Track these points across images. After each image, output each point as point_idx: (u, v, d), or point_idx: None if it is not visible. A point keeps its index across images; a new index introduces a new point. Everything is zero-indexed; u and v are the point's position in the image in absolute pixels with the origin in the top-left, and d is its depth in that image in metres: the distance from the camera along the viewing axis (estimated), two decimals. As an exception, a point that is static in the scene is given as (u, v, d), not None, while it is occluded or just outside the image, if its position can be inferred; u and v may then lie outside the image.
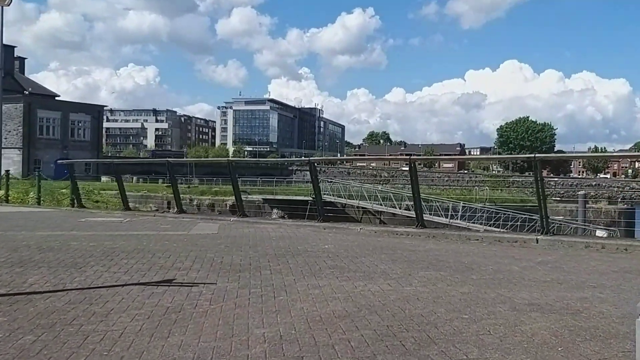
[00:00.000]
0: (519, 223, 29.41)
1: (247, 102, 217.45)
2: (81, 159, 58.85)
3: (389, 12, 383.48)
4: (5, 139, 65.52)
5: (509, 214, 30.75)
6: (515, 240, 10.72)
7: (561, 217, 31.74)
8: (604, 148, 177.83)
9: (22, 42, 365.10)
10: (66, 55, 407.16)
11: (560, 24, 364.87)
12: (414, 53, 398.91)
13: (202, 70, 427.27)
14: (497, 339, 4.53)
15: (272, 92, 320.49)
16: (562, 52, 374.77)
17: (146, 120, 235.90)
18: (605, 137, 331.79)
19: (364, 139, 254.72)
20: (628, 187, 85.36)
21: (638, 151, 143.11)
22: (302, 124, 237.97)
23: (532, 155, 11.90)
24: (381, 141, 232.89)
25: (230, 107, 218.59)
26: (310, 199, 25.71)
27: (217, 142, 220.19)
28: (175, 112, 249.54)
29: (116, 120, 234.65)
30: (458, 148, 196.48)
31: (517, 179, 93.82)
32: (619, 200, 61.84)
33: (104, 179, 53.15)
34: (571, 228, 29.33)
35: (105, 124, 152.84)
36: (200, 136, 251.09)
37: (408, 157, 14.84)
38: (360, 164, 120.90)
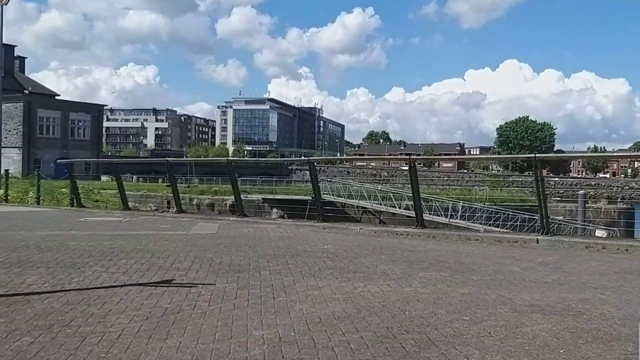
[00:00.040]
0: (518, 223, 29.39)
1: (247, 102, 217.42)
2: (81, 159, 58.79)
3: (389, 12, 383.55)
4: (5, 138, 65.47)
5: (508, 214, 30.70)
6: (516, 240, 10.68)
7: (561, 217, 31.67)
8: (604, 148, 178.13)
9: (22, 42, 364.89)
10: (66, 55, 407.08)
11: (559, 24, 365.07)
12: (414, 53, 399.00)
13: (202, 70, 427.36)
14: (498, 341, 4.50)
15: (272, 91, 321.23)
16: (561, 51, 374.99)
17: (146, 120, 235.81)
18: (605, 136, 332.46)
19: (363, 139, 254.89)
20: (627, 187, 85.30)
21: (637, 151, 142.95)
22: (302, 124, 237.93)
23: (533, 155, 11.86)
24: (381, 141, 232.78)
25: (230, 107, 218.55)
26: (310, 198, 25.66)
27: (217, 141, 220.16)
28: (175, 111, 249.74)
29: (116, 120, 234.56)
30: (457, 147, 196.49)
31: (517, 179, 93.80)
32: (619, 199, 61.86)
33: (103, 178, 53.09)
34: (571, 228, 29.30)
35: (105, 124, 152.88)
36: (200, 136, 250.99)
37: (408, 157, 14.80)
38: (360, 164, 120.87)
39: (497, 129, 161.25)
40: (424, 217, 13.37)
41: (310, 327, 4.86)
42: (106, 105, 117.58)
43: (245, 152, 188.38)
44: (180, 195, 22.54)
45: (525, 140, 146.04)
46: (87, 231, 11.93)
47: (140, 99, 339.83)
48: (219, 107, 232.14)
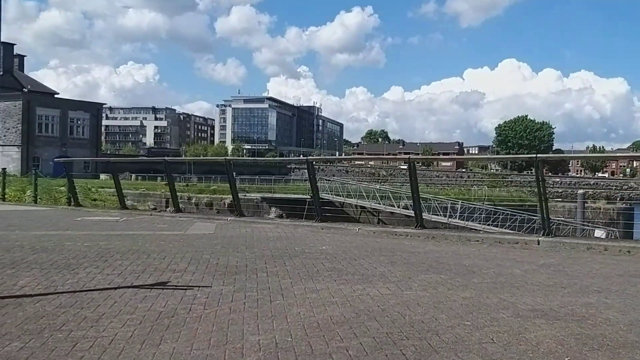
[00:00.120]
0: (517, 223, 29.33)
1: (246, 101, 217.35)
2: (80, 157, 58.76)
3: (388, 11, 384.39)
4: (5, 136, 65.69)
5: (507, 213, 30.67)
6: (516, 241, 10.56)
7: (560, 218, 31.59)
8: (602, 147, 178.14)
9: (22, 40, 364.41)
10: (66, 53, 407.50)
11: (558, 23, 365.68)
12: (413, 51, 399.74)
13: (202, 69, 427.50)
14: (501, 347, 4.37)
15: (271, 90, 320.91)
16: (560, 51, 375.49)
17: (145, 118, 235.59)
18: (604, 135, 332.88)
19: (362, 137, 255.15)
20: (626, 186, 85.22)
21: (636, 150, 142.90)
22: (301, 122, 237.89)
23: (534, 155, 11.73)
24: (380, 139, 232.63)
25: (229, 106, 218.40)
26: (309, 197, 25.57)
27: (216, 140, 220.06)
28: (175, 110, 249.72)
29: (115, 118, 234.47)
30: (456, 147, 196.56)
31: (516, 178, 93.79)
32: (618, 199, 61.79)
33: (102, 176, 52.95)
34: (570, 227, 29.23)
35: (105, 122, 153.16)
36: (199, 134, 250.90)
37: (407, 156, 14.69)
38: (359, 163, 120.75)
39: (496, 128, 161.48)
40: (423, 217, 13.25)
41: (308, 332, 4.73)
42: (105, 104, 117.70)
43: (244, 150, 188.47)
44: (179, 194, 22.44)
45: (524, 140, 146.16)
46: (83, 231, 11.82)
47: (140, 97, 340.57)
48: (218, 106, 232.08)
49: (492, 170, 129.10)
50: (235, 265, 7.77)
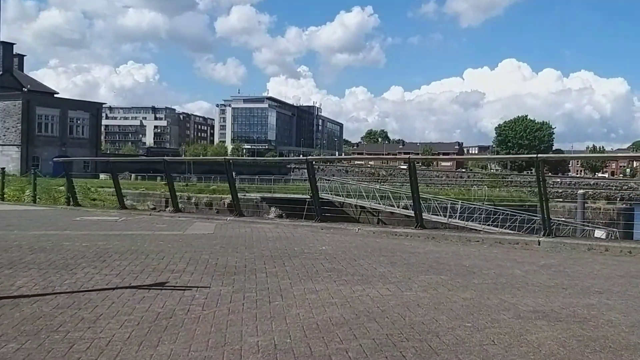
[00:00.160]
0: (517, 223, 29.29)
1: (245, 100, 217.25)
2: (80, 157, 58.68)
3: (388, 11, 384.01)
4: (4, 136, 65.62)
5: (507, 213, 30.63)
6: (517, 242, 10.52)
7: (561, 218, 31.56)
8: (602, 147, 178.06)
9: (22, 40, 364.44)
10: (66, 53, 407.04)
11: (558, 23, 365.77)
12: (413, 51, 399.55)
13: (201, 68, 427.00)
14: (502, 349, 4.33)
15: (271, 90, 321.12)
16: (560, 51, 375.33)
17: (145, 118, 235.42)
18: (604, 136, 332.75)
19: (362, 137, 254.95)
20: (626, 186, 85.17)
21: (636, 150, 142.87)
22: (301, 122, 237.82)
23: (535, 155, 11.69)
24: (379, 139, 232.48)
25: (229, 105, 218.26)
26: (308, 197, 25.52)
27: (216, 139, 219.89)
28: (174, 109, 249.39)
29: (115, 118, 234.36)
30: (456, 147, 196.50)
31: (515, 178, 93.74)
32: (618, 199, 61.76)
33: (102, 176, 52.91)
34: (570, 228, 29.20)
35: (104, 122, 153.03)
36: (199, 134, 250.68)
37: (407, 156, 14.66)
38: (359, 163, 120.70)
39: (496, 128, 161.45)
40: (423, 217, 13.21)
41: (307, 333, 4.69)
42: (105, 104, 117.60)
43: (244, 150, 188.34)
44: (179, 194, 22.41)
45: (524, 140, 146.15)
46: (82, 231, 11.78)
47: (140, 97, 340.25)
48: (217, 106, 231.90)
49: (492, 170, 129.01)
50: (234, 266, 7.73)
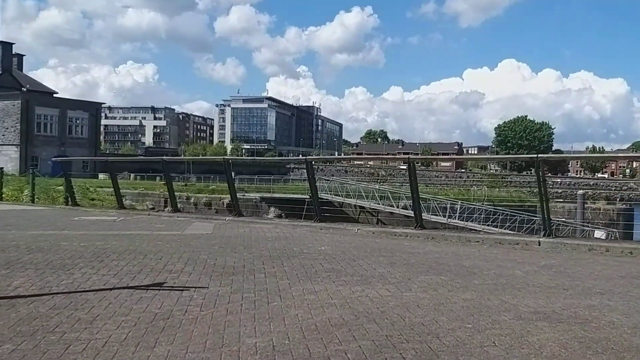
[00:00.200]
0: (517, 224, 29.25)
1: (245, 100, 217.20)
2: (79, 157, 58.66)
3: (388, 11, 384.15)
4: (3, 135, 65.55)
5: (507, 214, 30.58)
6: (517, 242, 10.47)
7: (561, 218, 31.51)
8: (602, 147, 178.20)
9: (21, 40, 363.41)
10: (65, 53, 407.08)
11: (558, 24, 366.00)
12: (412, 52, 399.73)
13: (201, 68, 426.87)
14: (503, 351, 4.28)
15: (270, 90, 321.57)
16: (560, 51, 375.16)
17: (144, 118, 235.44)
18: (603, 136, 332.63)
19: (361, 138, 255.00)
20: (626, 187, 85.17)
21: (636, 150, 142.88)
22: (300, 122, 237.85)
23: (535, 155, 11.64)
24: (379, 140, 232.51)
25: (229, 105, 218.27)
26: (308, 197, 25.49)
27: (215, 139, 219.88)
28: (174, 109, 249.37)
29: (114, 118, 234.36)
30: (456, 147, 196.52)
31: (515, 178, 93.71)
32: (618, 200, 61.74)
33: (101, 176, 52.90)
34: (570, 228, 29.16)
35: (104, 121, 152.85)
36: (199, 134, 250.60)
37: (407, 156, 14.61)
38: (358, 162, 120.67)
39: (495, 128, 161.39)
40: (422, 217, 13.16)
41: (306, 334, 4.64)
42: (104, 103, 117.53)
43: (243, 150, 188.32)
44: (178, 194, 22.36)
45: (524, 140, 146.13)
46: (80, 231, 11.73)
47: (139, 97, 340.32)
48: (217, 106, 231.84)
49: (491, 171, 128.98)
50: (232, 266, 7.68)
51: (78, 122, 72.34)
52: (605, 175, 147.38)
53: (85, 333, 4.59)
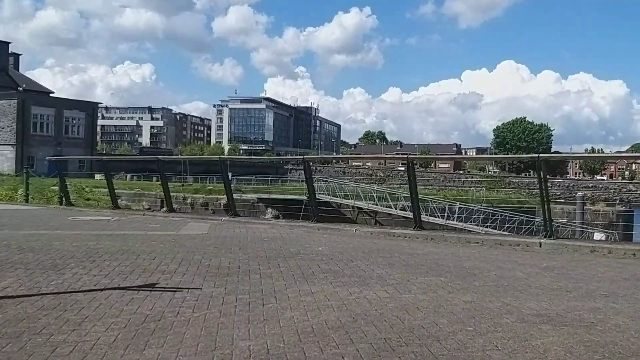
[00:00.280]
0: (515, 225, 29.18)
1: (243, 101, 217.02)
2: (75, 156, 58.52)
3: (386, 12, 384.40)
4: (-1, 135, 65.32)
5: (506, 215, 30.51)
6: (518, 243, 10.32)
7: (560, 220, 31.43)
8: (601, 149, 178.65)
9: (18, 39, 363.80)
10: (62, 52, 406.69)
11: (557, 25, 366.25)
12: (411, 53, 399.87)
13: (199, 68, 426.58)
14: (506, 355, 4.13)
15: (268, 90, 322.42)
16: (559, 53, 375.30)
17: (141, 118, 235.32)
18: (602, 138, 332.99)
19: (359, 139, 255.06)
20: (625, 189, 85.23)
21: (635, 152, 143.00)
22: (298, 123, 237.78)
23: (536, 155, 11.50)
24: (377, 141, 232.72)
25: (226, 106, 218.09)
26: (305, 198, 25.36)
27: (213, 140, 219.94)
28: (171, 110, 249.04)
29: (111, 118, 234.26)
30: (454, 148, 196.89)
31: (514, 180, 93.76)
32: (617, 202, 61.68)
33: (97, 176, 52.76)
34: (569, 230, 29.08)
35: (101, 122, 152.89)
36: (196, 134, 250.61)
37: (406, 156, 14.46)
38: (356, 164, 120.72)
39: (494, 130, 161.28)
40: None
41: (302, 337, 4.49)
42: (101, 103, 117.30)
43: (241, 151, 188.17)
44: (174, 194, 22.21)
45: (522, 142, 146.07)
46: (73, 230, 11.57)
47: (136, 97, 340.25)
48: (214, 106, 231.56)
49: (489, 172, 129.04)
50: (227, 267, 7.54)
51: (74, 122, 72.19)
52: (604, 177, 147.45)
53: (74, 335, 4.45)
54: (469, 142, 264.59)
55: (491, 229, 27.51)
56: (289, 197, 37.72)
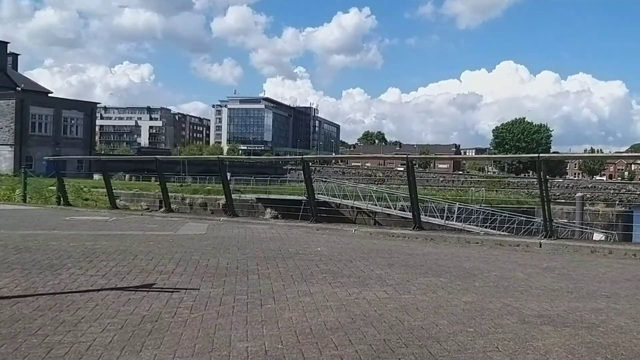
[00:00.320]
0: (515, 225, 29.14)
1: (242, 101, 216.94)
2: (73, 156, 58.46)
3: (385, 12, 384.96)
4: (-3, 135, 65.25)
5: (505, 216, 30.47)
6: (518, 244, 10.27)
7: (560, 220, 31.39)
8: (600, 150, 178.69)
9: (16, 39, 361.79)
10: (61, 52, 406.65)
11: (557, 25, 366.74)
12: (410, 53, 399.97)
13: (198, 68, 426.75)
14: (507, 356, 4.08)
15: (267, 91, 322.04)
16: (558, 53, 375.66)
17: (140, 118, 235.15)
18: (601, 138, 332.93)
19: (359, 139, 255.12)
20: (624, 190, 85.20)
21: (635, 153, 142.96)
22: (297, 123, 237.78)
23: (536, 155, 11.44)
24: (376, 141, 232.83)
25: (225, 106, 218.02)
26: (304, 198, 25.31)
27: (212, 140, 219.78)
28: (170, 110, 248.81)
29: (110, 118, 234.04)
30: (453, 149, 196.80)
31: (513, 180, 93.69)
32: (617, 202, 61.65)
33: (96, 176, 52.71)
34: (568, 230, 29.05)
35: (99, 122, 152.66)
36: (195, 135, 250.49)
37: (405, 156, 14.40)
38: (355, 164, 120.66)
39: (493, 130, 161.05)
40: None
41: (300, 338, 4.44)
42: (99, 103, 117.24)
43: (240, 151, 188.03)
44: (173, 194, 22.15)
45: (522, 142, 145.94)
46: (70, 231, 11.52)
47: (135, 97, 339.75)
48: (213, 106, 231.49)
49: (489, 173, 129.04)
50: (225, 267, 7.48)
51: (73, 122, 72.16)
52: (604, 178, 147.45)
53: (69, 336, 4.40)
54: (468, 143, 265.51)
55: (490, 229, 27.49)
56: (288, 197, 37.69)
